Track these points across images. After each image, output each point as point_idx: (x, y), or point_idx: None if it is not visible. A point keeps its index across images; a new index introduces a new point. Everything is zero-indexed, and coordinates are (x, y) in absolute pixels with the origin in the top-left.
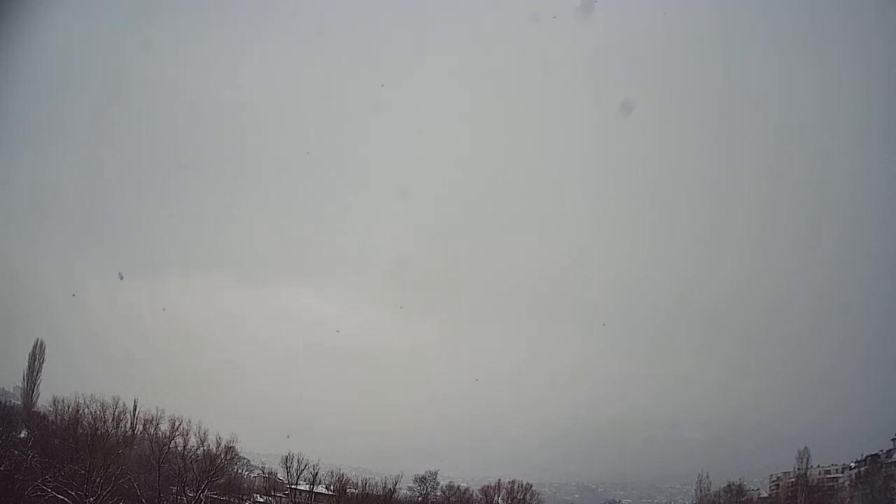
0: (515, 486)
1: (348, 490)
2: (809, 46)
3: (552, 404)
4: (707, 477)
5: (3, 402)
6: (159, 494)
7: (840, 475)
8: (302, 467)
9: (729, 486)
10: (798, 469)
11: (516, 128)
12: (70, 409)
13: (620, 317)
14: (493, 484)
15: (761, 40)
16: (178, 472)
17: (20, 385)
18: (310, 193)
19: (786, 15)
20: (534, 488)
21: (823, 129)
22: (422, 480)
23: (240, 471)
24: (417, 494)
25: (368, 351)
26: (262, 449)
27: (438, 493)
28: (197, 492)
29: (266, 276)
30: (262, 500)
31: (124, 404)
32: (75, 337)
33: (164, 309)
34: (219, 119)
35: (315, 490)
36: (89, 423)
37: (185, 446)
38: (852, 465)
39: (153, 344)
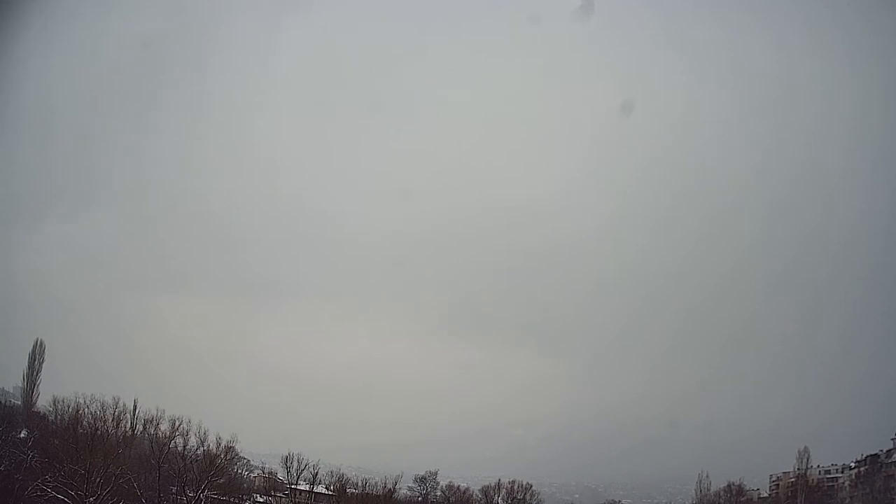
0: (515, 486)
1: (348, 490)
2: (811, 45)
3: (552, 405)
4: (707, 477)
5: (3, 402)
6: (159, 494)
7: (840, 475)
8: (302, 467)
9: (729, 486)
10: (798, 469)
11: (515, 128)
12: (70, 409)
13: (621, 318)
14: (493, 484)
15: (762, 39)
16: (178, 472)
17: (20, 385)
18: (307, 198)
19: (787, 14)
20: (534, 488)
21: (823, 128)
22: (422, 480)
23: (240, 471)
24: (417, 494)
25: (370, 354)
26: (262, 449)
27: (438, 493)
28: (197, 492)
29: (268, 284)
30: (262, 500)
31: (124, 404)
32: (75, 337)
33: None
34: (218, 123)
35: (315, 490)
36: (89, 423)
37: (185, 446)
38: (852, 465)
39: (155, 348)
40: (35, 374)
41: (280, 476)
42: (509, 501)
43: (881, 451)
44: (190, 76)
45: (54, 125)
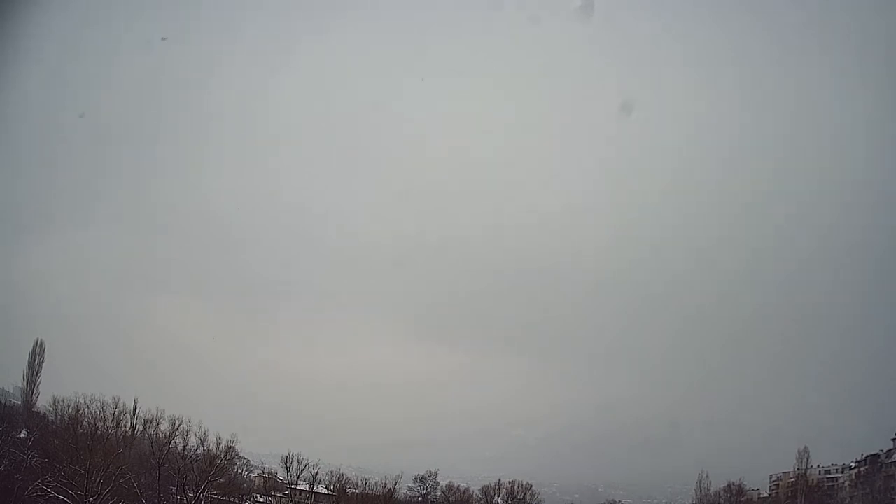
0: (515, 486)
1: (348, 490)
2: (811, 44)
3: (552, 405)
4: (707, 477)
5: (3, 402)
6: (159, 494)
7: (840, 475)
8: (302, 467)
9: (729, 486)
10: (798, 469)
11: (515, 129)
12: (70, 409)
13: (621, 318)
14: (493, 484)
15: (762, 39)
16: (178, 472)
17: (20, 385)
18: (307, 199)
19: (787, 13)
20: (534, 488)
21: (826, 127)
22: (422, 480)
23: (240, 471)
24: (417, 494)
25: (370, 354)
26: (262, 449)
27: (438, 493)
28: (197, 492)
29: (268, 285)
30: (262, 500)
31: (124, 404)
32: (75, 337)
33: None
34: (219, 124)
35: (315, 490)
36: (89, 423)
37: (185, 446)
38: (852, 465)
39: (155, 348)
40: (35, 374)
41: (280, 476)
42: (509, 501)
43: (881, 451)
44: (192, 79)
45: (58, 129)
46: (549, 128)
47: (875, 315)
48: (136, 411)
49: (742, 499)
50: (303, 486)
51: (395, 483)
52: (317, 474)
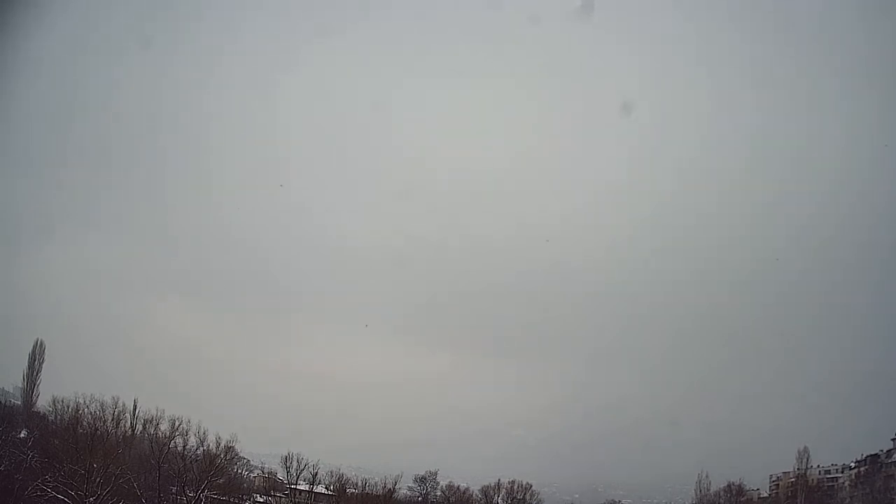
0: (515, 486)
1: (348, 490)
2: (818, 44)
3: (552, 405)
4: (707, 477)
5: (3, 402)
6: (159, 494)
7: (840, 475)
8: (302, 467)
9: (729, 486)
10: (798, 469)
11: (515, 129)
12: (70, 409)
13: (621, 318)
14: (492, 484)
15: (766, 38)
16: (178, 472)
17: (20, 385)
18: (308, 199)
19: (792, 12)
20: (534, 488)
21: (832, 128)
22: (422, 480)
23: (240, 471)
24: (417, 494)
25: (370, 354)
26: (262, 449)
27: (438, 493)
28: (197, 492)
29: (268, 285)
30: (262, 500)
31: (124, 404)
32: (75, 337)
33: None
34: (218, 125)
35: (315, 490)
36: (89, 423)
37: (185, 446)
38: (852, 465)
39: (155, 348)
40: (35, 374)
41: (280, 476)
42: (509, 501)
43: (881, 451)
44: (192, 79)
45: (58, 129)
46: (550, 128)
47: (876, 315)
48: (136, 411)
49: (742, 499)
50: (303, 486)
51: (395, 483)
52: (317, 474)
